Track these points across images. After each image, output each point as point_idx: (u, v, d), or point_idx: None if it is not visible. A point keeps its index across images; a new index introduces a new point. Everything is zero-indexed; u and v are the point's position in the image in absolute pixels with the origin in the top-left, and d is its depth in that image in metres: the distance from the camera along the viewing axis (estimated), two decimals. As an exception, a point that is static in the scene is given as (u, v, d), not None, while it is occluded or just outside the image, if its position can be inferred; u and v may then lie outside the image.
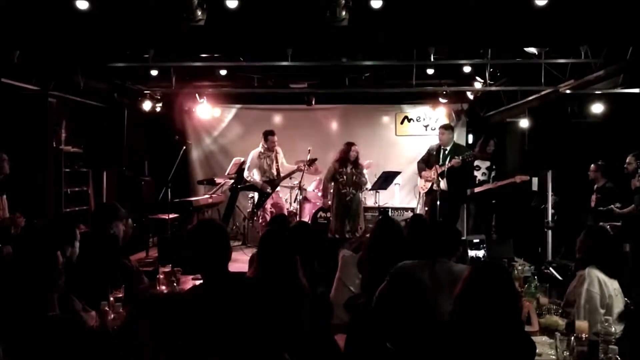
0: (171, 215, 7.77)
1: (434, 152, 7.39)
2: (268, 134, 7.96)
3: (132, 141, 8.37)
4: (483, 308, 2.26)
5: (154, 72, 7.52)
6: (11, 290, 2.60)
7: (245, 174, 8.04)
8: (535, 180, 7.88)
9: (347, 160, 7.51)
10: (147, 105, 8.45)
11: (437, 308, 2.88)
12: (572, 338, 2.63)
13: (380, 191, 8.54)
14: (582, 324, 2.70)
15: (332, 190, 7.73)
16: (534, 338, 2.53)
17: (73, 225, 3.37)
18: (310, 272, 3.28)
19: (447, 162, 7.14)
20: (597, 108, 6.86)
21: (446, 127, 7.53)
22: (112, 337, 2.78)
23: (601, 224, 5.69)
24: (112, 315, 3.03)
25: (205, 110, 9.46)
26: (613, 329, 2.69)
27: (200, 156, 10.14)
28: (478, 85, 8.33)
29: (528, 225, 7.70)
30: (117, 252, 3.67)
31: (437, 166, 7.22)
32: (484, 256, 5.03)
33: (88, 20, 4.97)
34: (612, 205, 6.18)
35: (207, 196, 8.62)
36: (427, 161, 7.48)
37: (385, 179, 8.19)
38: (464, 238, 5.10)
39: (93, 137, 7.87)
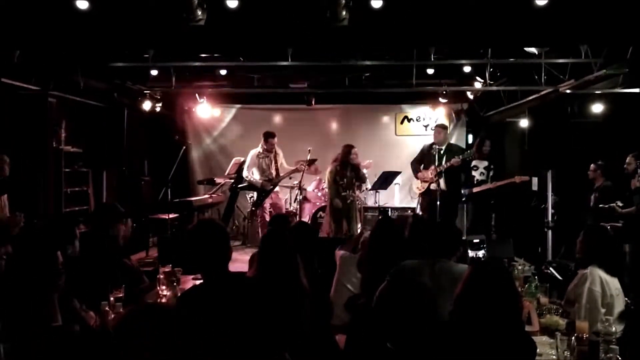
0: (171, 215, 7.77)
1: (428, 152, 7.36)
2: (268, 136, 7.94)
3: (132, 141, 8.38)
4: (483, 308, 2.26)
5: (154, 72, 7.52)
6: (11, 290, 2.59)
7: (245, 173, 8.03)
8: (535, 180, 7.87)
9: (348, 163, 7.50)
10: (147, 105, 8.44)
11: (438, 308, 2.88)
12: (573, 338, 2.63)
13: (380, 191, 8.53)
14: (582, 324, 2.70)
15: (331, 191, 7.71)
16: (534, 338, 2.52)
17: (73, 225, 3.37)
18: (310, 272, 3.27)
19: (443, 162, 7.13)
20: (597, 108, 6.86)
21: (443, 127, 7.57)
22: (112, 337, 2.78)
23: (601, 224, 5.69)
24: (112, 315, 3.03)
25: (205, 110, 9.46)
26: (613, 328, 2.69)
27: (200, 156, 10.14)
28: (478, 85, 8.33)
29: (528, 225, 7.70)
30: (117, 252, 3.67)
31: (434, 166, 7.19)
32: (484, 256, 5.03)
33: (88, 20, 4.97)
34: (614, 204, 6.17)
35: (207, 196, 8.62)
36: (421, 161, 7.45)
37: (385, 179, 8.18)
38: (463, 238, 5.10)
39: (93, 137, 7.88)
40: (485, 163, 7.49)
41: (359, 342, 3.13)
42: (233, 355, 2.32)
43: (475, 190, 7.40)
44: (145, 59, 6.80)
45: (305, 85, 8.72)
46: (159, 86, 8.37)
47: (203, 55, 6.95)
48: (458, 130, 9.89)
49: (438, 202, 6.98)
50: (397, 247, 3.56)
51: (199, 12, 4.82)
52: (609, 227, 4.79)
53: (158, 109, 8.61)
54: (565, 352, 2.60)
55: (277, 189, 8.18)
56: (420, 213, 7.44)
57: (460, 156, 7.10)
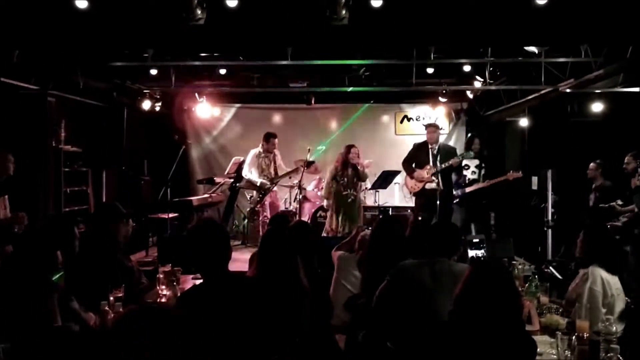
0: (171, 215, 7.76)
1: (420, 152, 7.28)
2: (270, 137, 7.93)
3: (132, 140, 8.38)
4: (483, 307, 2.26)
5: (154, 72, 7.52)
6: (11, 290, 2.59)
7: (244, 172, 8.04)
8: (535, 179, 7.86)
9: (348, 163, 7.49)
10: (146, 105, 8.43)
11: (438, 308, 2.87)
12: (573, 337, 2.63)
13: (380, 191, 8.53)
14: (583, 323, 2.70)
15: (332, 191, 7.70)
16: (534, 337, 2.52)
17: (73, 225, 3.36)
18: (310, 272, 3.27)
19: (438, 161, 7.07)
20: (597, 107, 6.85)
21: (436, 126, 7.52)
22: (111, 337, 2.78)
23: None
24: (112, 315, 3.03)
25: (205, 110, 9.46)
26: (614, 328, 2.69)
27: (200, 155, 10.13)
28: (478, 84, 8.32)
29: (528, 225, 7.69)
30: (117, 252, 3.66)
31: (429, 166, 7.14)
32: (483, 256, 5.02)
33: (87, 20, 4.96)
34: (614, 203, 6.17)
35: (206, 195, 8.61)
36: (411, 161, 7.37)
37: (385, 179, 8.18)
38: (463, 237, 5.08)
39: (92, 137, 7.88)
40: (476, 162, 7.43)
41: (359, 342, 3.13)
42: (233, 355, 2.31)
43: (468, 190, 7.33)
44: (145, 58, 6.79)
45: (305, 85, 8.72)
46: (158, 86, 8.37)
47: (203, 54, 6.95)
48: (458, 130, 9.88)
49: (438, 202, 6.96)
50: (397, 246, 3.56)
51: (199, 12, 4.82)
52: (609, 227, 4.80)
53: (158, 109, 8.61)
54: (566, 351, 2.60)
55: (275, 188, 8.18)
56: (414, 213, 7.37)
57: (461, 156, 7.07)
